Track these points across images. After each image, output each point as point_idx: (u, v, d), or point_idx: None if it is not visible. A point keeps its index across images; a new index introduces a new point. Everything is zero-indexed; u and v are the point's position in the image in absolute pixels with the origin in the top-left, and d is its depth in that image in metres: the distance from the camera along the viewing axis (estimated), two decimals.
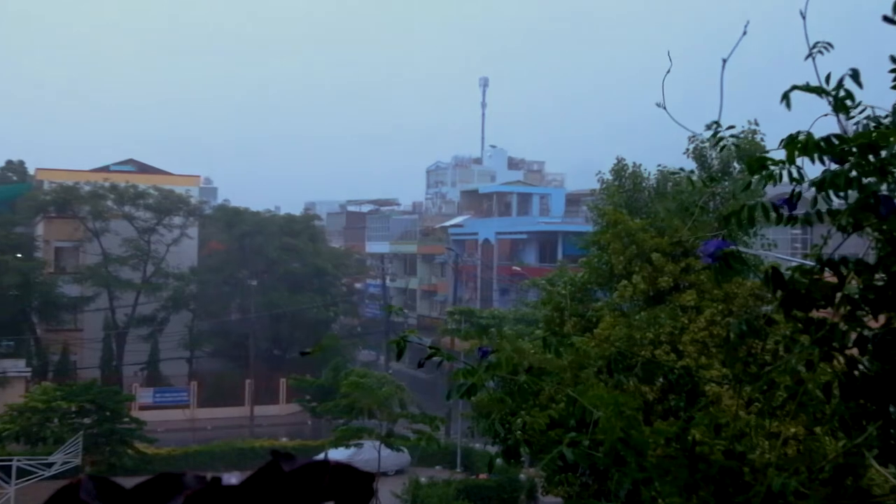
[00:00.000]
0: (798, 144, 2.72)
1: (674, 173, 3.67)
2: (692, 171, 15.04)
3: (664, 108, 3.26)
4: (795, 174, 2.78)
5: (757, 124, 20.34)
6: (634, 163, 21.40)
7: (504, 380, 3.92)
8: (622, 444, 2.69)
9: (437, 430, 28.42)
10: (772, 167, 2.81)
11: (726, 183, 18.00)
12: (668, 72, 3.29)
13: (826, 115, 2.83)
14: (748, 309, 12.98)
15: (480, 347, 3.28)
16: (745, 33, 2.99)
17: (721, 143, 3.07)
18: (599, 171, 21.76)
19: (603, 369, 3.08)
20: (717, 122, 3.07)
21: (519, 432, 2.94)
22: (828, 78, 2.79)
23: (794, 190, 2.83)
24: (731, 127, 3.09)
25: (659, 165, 20.61)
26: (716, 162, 18.10)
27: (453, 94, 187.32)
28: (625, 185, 20.91)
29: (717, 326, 13.39)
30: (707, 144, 17.90)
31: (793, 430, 2.90)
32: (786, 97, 2.87)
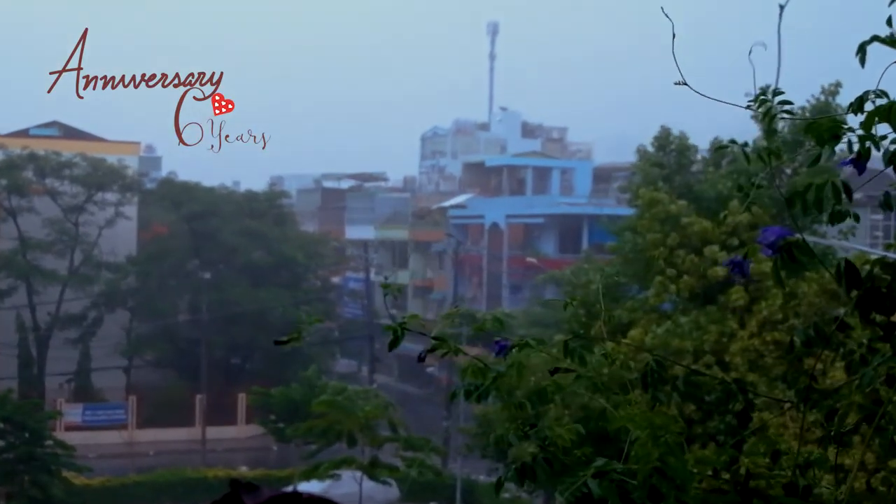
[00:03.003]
0: (881, 109, 2.70)
1: (721, 147, 3.60)
2: (756, 139, 15.01)
3: (685, 82, 3.27)
4: (868, 144, 2.75)
5: (839, 87, 20.26)
6: (682, 132, 21.41)
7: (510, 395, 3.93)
8: (659, 476, 2.71)
9: (429, 454, 28.37)
10: (849, 136, 2.79)
11: (798, 158, 17.98)
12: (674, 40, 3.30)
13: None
14: (819, 310, 13.03)
15: (497, 340, 3.26)
16: None
17: (771, 115, 3.06)
18: (641, 145, 21.78)
19: (636, 382, 3.09)
20: (776, 90, 3.06)
21: (537, 447, 2.92)
22: None
23: (860, 151, 2.80)
24: (782, 95, 3.08)
25: (714, 139, 20.66)
26: (786, 130, 18.03)
27: (454, 42, 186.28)
28: (669, 160, 20.94)
29: (774, 331, 13.43)
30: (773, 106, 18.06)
31: (863, 458, 2.92)
32: (862, 50, 2.87)
